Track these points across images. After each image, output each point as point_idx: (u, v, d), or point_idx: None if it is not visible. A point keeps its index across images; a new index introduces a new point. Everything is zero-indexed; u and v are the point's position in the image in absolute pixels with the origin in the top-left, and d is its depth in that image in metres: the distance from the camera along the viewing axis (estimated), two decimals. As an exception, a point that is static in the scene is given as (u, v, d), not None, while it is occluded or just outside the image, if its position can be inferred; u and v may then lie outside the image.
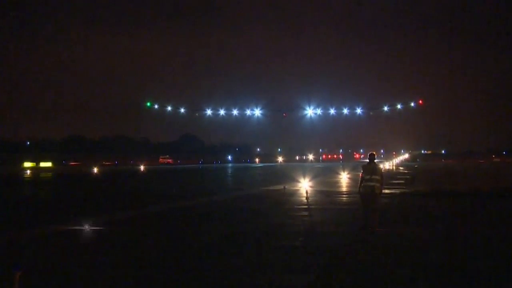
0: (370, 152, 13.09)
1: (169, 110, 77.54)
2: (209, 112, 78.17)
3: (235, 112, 77.87)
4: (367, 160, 12.96)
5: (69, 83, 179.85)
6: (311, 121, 76.56)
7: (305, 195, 21.76)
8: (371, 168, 12.36)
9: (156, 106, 76.27)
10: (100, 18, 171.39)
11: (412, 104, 71.35)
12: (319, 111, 75.35)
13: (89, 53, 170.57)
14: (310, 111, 75.18)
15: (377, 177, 12.22)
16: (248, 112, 77.12)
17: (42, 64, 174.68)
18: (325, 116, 76.41)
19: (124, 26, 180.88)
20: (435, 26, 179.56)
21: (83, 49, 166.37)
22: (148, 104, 75.45)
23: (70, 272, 8.65)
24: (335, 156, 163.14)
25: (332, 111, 75.53)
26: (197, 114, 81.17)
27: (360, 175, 12.67)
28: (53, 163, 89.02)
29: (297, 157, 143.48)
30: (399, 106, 72.34)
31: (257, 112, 77.27)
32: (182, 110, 78.20)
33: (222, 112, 78.13)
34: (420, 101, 71.09)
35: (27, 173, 57.73)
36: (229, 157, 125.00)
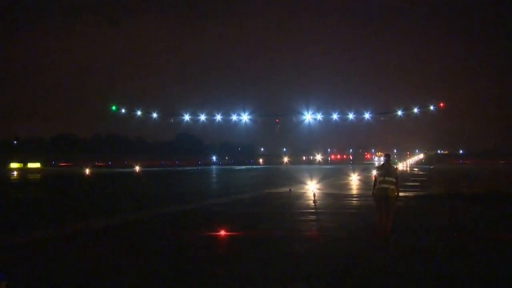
0: (386, 153, 13.10)
1: (139, 115, 74.93)
2: (187, 117, 75.89)
3: (218, 117, 75.91)
4: (382, 161, 12.91)
5: (58, 80, 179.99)
6: (316, 121, 74.86)
7: (312, 198, 21.72)
8: (385, 169, 12.31)
9: (123, 111, 73.64)
10: (93, 13, 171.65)
11: (432, 108, 68.75)
12: (319, 116, 73.20)
13: (80, 50, 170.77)
14: (309, 116, 73.06)
15: (391, 178, 12.16)
16: (234, 117, 75.05)
17: (30, 61, 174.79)
18: (328, 121, 74.39)
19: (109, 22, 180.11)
20: (452, 23, 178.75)
21: (73, 45, 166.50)
22: (114, 108, 73.02)
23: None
24: (344, 156, 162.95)
25: (335, 116, 73.36)
26: (172, 120, 78.91)
27: (374, 176, 12.64)
28: (42, 164, 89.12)
29: (303, 158, 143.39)
30: (415, 110, 69.61)
31: (245, 117, 75.02)
32: (155, 115, 75.71)
33: (202, 117, 76.00)
34: (441, 104, 68.52)
35: (13, 174, 57.81)
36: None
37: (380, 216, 12.26)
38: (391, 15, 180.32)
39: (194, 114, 75.90)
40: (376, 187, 12.28)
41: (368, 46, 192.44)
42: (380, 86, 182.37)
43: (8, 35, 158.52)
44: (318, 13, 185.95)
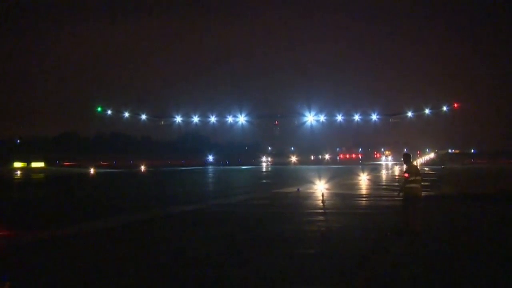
0: (405, 153, 13.78)
1: (126, 117, 73.48)
2: (179, 119, 74.61)
3: (212, 119, 74.72)
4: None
5: (60, 77, 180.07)
6: (319, 123, 73.58)
7: (321, 198, 21.79)
8: (414, 169, 12.99)
9: (109, 112, 72.15)
10: (94, 10, 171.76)
11: (445, 108, 67.11)
12: (322, 118, 71.75)
13: (80, 48, 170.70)
14: (311, 118, 71.51)
15: (419, 178, 12.95)
16: (230, 119, 73.78)
17: (31, 58, 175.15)
18: (331, 123, 73.12)
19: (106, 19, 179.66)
20: (465, 21, 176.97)
21: (73, 43, 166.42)
22: (99, 109, 71.57)
23: None
24: (353, 155, 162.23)
25: (339, 118, 71.85)
26: (162, 122, 77.78)
27: (405, 176, 12.91)
28: (45, 163, 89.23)
29: (312, 157, 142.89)
30: (427, 111, 67.87)
31: (242, 119, 73.63)
32: (144, 116, 74.28)
33: (196, 119, 74.76)
34: (456, 105, 66.96)
35: (17, 173, 58.09)
36: (211, 157, 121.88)
37: (409, 215, 12.63)
38: (400, 11, 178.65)
39: (187, 115, 74.83)
40: (405, 186, 12.70)
41: (375, 43, 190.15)
42: (388, 85, 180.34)
43: (10, 34, 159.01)
44: (322, 8, 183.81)
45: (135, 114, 73.70)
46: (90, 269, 9.65)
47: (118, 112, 72.79)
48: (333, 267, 9.51)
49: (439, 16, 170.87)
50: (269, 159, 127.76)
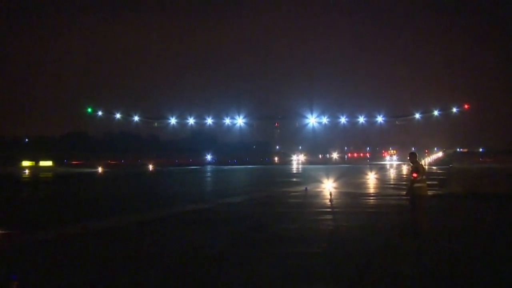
0: (412, 152, 13.77)
1: (118, 118, 72.06)
2: (173, 121, 73.45)
3: (209, 121, 73.88)
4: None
5: (64, 77, 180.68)
6: (321, 125, 72.76)
7: (328, 197, 21.81)
8: (422, 168, 13.01)
9: (99, 113, 70.71)
10: (103, 7, 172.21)
11: (455, 110, 66.48)
12: (324, 120, 70.87)
13: (86, 46, 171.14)
14: (313, 120, 70.63)
15: (425, 177, 13.08)
16: (227, 121, 72.99)
17: (39, 57, 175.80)
18: (335, 125, 72.45)
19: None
20: (472, 21, 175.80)
21: (79, 40, 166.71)
22: (89, 110, 70.18)
23: None
24: (361, 154, 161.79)
25: (343, 120, 70.97)
26: (156, 124, 76.85)
27: (413, 175, 12.92)
28: (53, 162, 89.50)
29: (320, 156, 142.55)
30: (436, 113, 67.13)
31: (240, 121, 72.87)
32: (136, 118, 72.81)
33: (191, 121, 73.69)
34: (466, 106, 66.34)
35: (25, 172, 58.37)
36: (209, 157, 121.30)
37: (416, 215, 12.77)
38: (407, 10, 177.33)
39: (181, 117, 74.07)
40: (413, 186, 12.76)
41: (380, 42, 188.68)
42: (394, 85, 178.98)
43: (11, 34, 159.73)
44: (324, 7, 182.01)
45: (127, 116, 72.53)
46: (98, 269, 9.74)
47: (109, 113, 71.61)
48: (340, 265, 9.56)
49: (446, 16, 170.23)
50: (299, 157, 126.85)
